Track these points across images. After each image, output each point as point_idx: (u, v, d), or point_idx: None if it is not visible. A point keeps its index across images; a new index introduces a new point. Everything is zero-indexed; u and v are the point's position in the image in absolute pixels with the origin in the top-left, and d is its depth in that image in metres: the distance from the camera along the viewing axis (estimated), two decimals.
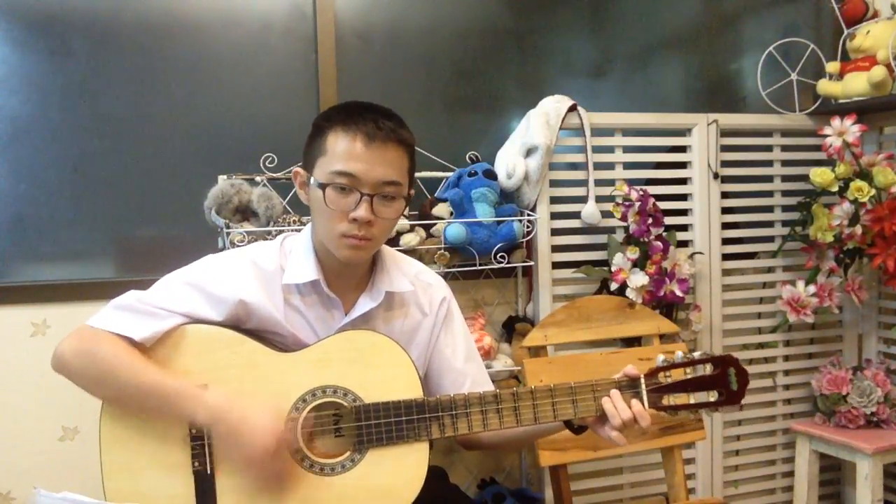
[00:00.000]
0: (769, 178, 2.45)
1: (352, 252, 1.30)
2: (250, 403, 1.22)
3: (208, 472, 1.26)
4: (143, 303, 1.28)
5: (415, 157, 1.36)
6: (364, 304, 1.37)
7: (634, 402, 1.30)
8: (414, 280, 1.45)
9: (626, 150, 2.31)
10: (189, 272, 1.34)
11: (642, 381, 1.32)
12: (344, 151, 1.25)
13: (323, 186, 1.26)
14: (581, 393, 1.32)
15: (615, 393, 1.30)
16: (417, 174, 2.09)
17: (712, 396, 1.32)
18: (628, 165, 2.31)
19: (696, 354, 1.34)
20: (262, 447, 1.19)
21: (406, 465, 1.27)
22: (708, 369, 1.33)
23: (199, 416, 1.22)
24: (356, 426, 1.27)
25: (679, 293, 2.12)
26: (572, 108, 2.19)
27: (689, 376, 1.32)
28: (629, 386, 1.32)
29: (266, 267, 1.34)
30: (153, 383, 1.23)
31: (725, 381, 1.32)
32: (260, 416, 1.21)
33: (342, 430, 1.31)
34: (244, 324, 1.34)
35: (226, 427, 1.21)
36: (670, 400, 1.32)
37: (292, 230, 1.84)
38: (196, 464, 1.26)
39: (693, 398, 1.32)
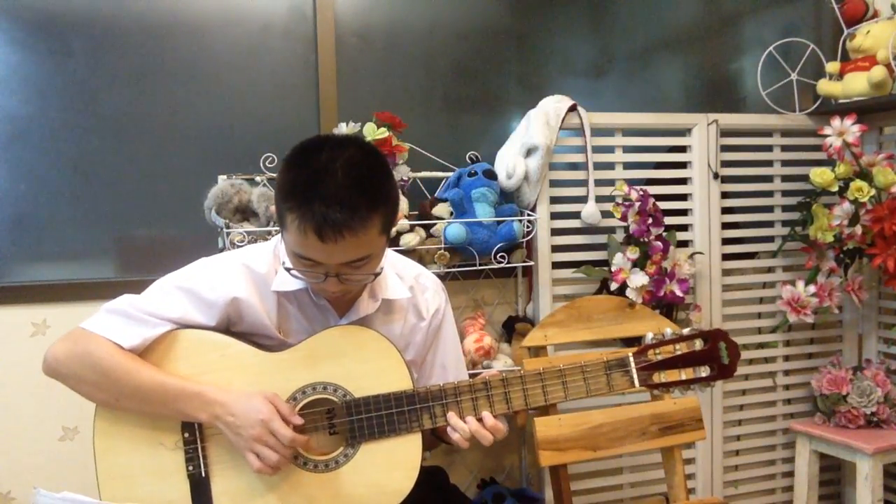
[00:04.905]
0: (769, 178, 2.45)
1: (334, 299, 1.32)
2: (242, 391, 1.24)
3: (203, 475, 1.26)
4: (135, 308, 1.28)
5: (390, 209, 1.23)
6: (361, 310, 1.36)
7: (486, 414, 1.27)
8: (413, 284, 1.44)
9: (626, 150, 2.30)
10: (182, 276, 1.33)
11: (631, 358, 1.31)
12: (298, 241, 1.18)
13: (290, 256, 1.24)
14: (570, 375, 1.32)
15: (451, 414, 1.27)
16: (417, 174, 2.10)
17: (704, 371, 1.31)
18: (628, 165, 2.31)
19: (686, 331, 1.33)
20: (257, 419, 1.20)
21: (399, 458, 1.27)
22: (698, 345, 1.31)
23: (201, 414, 1.23)
24: (348, 421, 1.27)
25: (679, 293, 2.12)
26: (572, 108, 2.19)
27: (679, 352, 1.31)
28: (618, 364, 1.31)
29: (259, 269, 1.33)
30: (153, 384, 1.23)
31: (716, 354, 1.31)
32: (250, 395, 1.23)
33: (334, 426, 1.31)
34: (235, 326, 1.33)
35: (231, 417, 1.22)
36: (661, 377, 1.30)
37: None
38: (190, 467, 1.26)
39: (684, 374, 1.31)
